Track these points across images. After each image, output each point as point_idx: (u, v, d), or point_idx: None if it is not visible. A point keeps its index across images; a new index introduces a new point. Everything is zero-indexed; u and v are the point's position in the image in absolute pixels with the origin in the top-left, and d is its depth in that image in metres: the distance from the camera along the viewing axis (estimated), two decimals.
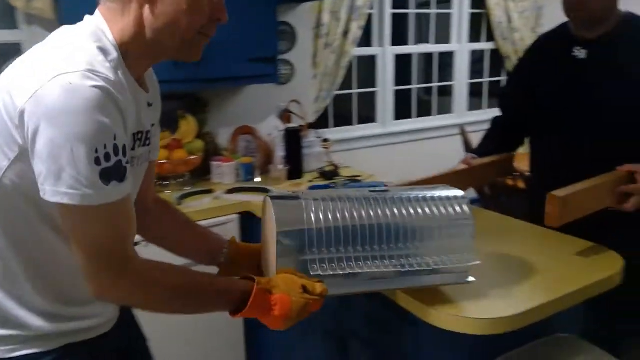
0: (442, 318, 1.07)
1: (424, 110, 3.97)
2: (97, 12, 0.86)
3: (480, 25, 4.02)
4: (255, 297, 0.88)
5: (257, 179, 2.26)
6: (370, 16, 3.50)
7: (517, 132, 1.72)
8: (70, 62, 0.75)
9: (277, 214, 0.95)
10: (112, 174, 0.76)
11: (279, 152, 2.33)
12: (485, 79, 4.15)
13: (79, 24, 0.86)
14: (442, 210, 1.04)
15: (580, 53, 1.46)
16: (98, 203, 0.76)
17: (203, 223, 1.89)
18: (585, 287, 1.17)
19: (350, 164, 3.58)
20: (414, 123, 3.86)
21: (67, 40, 0.81)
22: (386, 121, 3.73)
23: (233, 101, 2.51)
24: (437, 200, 1.05)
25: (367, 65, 3.67)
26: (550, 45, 1.55)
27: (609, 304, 1.30)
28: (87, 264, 0.79)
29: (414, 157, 3.74)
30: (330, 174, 2.30)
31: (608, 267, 1.27)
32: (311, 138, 2.48)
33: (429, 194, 1.05)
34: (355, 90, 3.61)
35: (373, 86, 3.68)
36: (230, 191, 2.10)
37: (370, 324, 1.39)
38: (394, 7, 3.55)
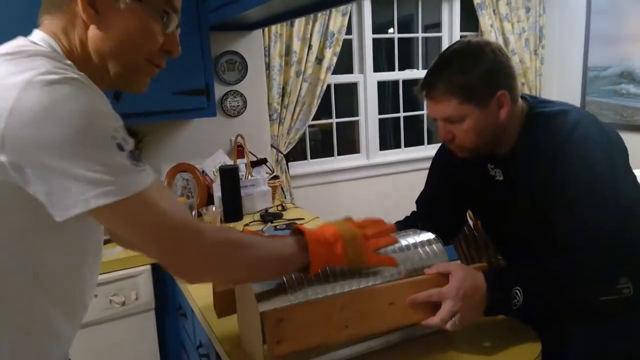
0: None
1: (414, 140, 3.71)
2: (37, 32, 0.78)
3: None
4: (307, 234, 0.88)
5: None
6: (350, 41, 3.32)
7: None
8: (36, 66, 0.66)
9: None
10: (136, 155, 0.70)
11: (217, 192, 2.13)
12: None
13: (14, 42, 0.75)
14: (424, 252, 1.07)
15: (497, 173, 1.25)
16: (146, 184, 0.69)
17: (110, 275, 1.72)
18: None
19: (330, 197, 3.38)
20: (402, 153, 3.60)
21: (17, 52, 0.70)
22: (370, 152, 3.50)
23: (174, 136, 2.35)
24: (417, 246, 1.07)
25: (349, 93, 3.46)
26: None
27: None
28: (163, 250, 0.73)
29: (401, 189, 3.48)
30: (269, 217, 2.08)
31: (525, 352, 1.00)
32: (256, 175, 2.27)
33: (405, 241, 1.07)
34: (334, 120, 3.40)
35: (355, 115, 3.47)
36: None
37: None
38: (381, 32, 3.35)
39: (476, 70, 1.10)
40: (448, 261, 1.07)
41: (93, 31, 0.76)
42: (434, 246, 1.08)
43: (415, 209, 1.49)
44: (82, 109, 0.64)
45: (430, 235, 1.11)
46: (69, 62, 0.74)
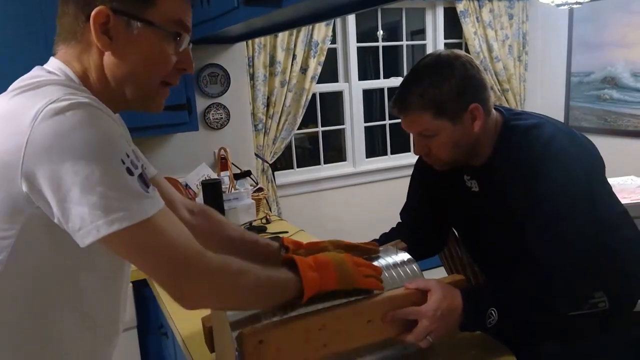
0: None
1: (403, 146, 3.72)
2: (53, 59, 0.79)
3: None
4: (298, 260, 0.89)
5: None
6: (334, 50, 3.32)
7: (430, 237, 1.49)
8: (46, 96, 0.67)
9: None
10: (145, 179, 0.70)
11: None
12: None
13: (31, 73, 0.77)
14: (397, 273, 1.07)
15: (472, 184, 1.26)
16: (153, 211, 0.69)
17: None
18: None
19: (317, 205, 3.38)
20: (388, 161, 3.61)
21: (30, 84, 0.72)
22: (357, 160, 3.50)
23: (157, 150, 2.34)
24: (392, 267, 1.08)
25: (335, 101, 3.47)
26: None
27: None
28: (166, 278, 0.73)
29: (388, 197, 3.49)
30: (253, 230, 2.07)
31: None
32: (240, 188, 2.27)
33: (383, 262, 1.09)
34: (320, 129, 3.41)
35: (341, 123, 3.47)
36: None
37: None
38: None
39: (447, 84, 1.10)
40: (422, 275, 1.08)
41: (108, 58, 0.77)
42: (412, 266, 1.09)
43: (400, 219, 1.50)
44: (92, 136, 0.66)
45: (406, 256, 1.11)
46: (83, 88, 0.76)
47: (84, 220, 0.65)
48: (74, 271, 0.77)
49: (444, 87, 1.10)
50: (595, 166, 1.15)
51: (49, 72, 0.77)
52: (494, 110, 1.19)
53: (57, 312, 0.78)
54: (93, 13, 0.74)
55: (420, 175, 1.42)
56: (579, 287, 1.10)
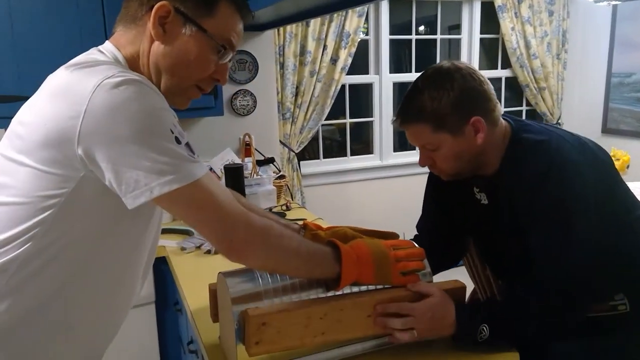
0: None
1: None
2: (107, 43, 0.88)
3: (497, 52, 3.69)
4: (343, 250, 0.93)
5: None
6: (366, 42, 3.31)
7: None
8: (101, 72, 0.75)
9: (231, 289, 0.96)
10: (191, 147, 0.78)
11: None
12: (504, 109, 3.79)
13: (88, 52, 0.87)
14: None
15: (482, 197, 1.24)
16: (201, 174, 0.77)
17: None
18: None
19: (342, 197, 3.39)
20: (415, 155, 3.56)
21: (88, 62, 0.80)
22: (384, 153, 3.49)
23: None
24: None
25: (365, 94, 3.45)
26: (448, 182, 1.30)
27: None
28: (215, 232, 0.80)
29: (413, 192, 3.46)
30: None
31: None
32: (263, 175, 2.30)
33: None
34: (347, 120, 3.40)
35: (370, 115, 3.46)
36: None
37: None
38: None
39: (446, 98, 1.08)
40: (432, 282, 1.10)
41: (157, 47, 0.85)
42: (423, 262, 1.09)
43: None
44: (145, 107, 0.73)
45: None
46: (130, 70, 0.83)
47: (138, 182, 0.73)
48: (106, 235, 0.84)
49: (442, 101, 1.08)
50: (608, 173, 1.13)
51: (101, 52, 0.86)
52: (502, 121, 1.17)
53: (82, 271, 0.84)
54: (157, 5, 0.82)
55: (433, 187, 1.42)
56: (588, 292, 1.08)
